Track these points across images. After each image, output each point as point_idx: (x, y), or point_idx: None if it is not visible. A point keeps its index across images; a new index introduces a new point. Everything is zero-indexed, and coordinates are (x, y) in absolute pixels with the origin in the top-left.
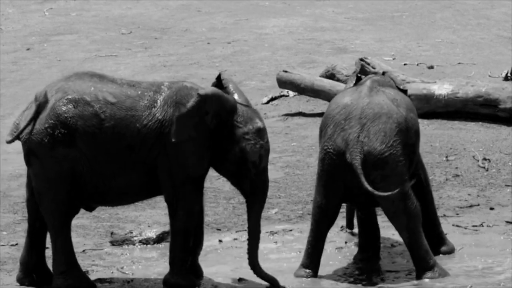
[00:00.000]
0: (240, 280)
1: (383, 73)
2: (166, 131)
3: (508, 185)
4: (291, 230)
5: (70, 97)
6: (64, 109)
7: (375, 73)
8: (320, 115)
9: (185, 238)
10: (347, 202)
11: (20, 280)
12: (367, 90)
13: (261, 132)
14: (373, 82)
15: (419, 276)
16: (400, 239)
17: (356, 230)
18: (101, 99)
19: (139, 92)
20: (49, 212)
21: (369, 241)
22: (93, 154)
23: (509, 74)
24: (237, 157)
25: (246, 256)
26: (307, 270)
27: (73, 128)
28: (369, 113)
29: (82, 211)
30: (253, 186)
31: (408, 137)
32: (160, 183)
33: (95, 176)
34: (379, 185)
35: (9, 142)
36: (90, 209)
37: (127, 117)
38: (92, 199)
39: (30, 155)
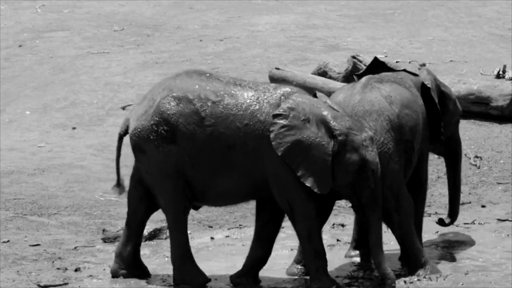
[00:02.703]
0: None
1: (423, 65)
2: (267, 133)
3: (500, 183)
4: (283, 228)
5: (174, 94)
6: (167, 107)
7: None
8: None
9: (311, 243)
10: (341, 199)
11: (115, 272)
12: (360, 87)
13: (373, 140)
14: (369, 79)
15: (411, 274)
16: (392, 237)
17: (348, 227)
18: (203, 97)
19: (243, 91)
20: (165, 206)
21: (363, 239)
22: (193, 152)
23: (501, 72)
24: (357, 166)
25: (237, 252)
26: (299, 267)
27: (174, 126)
28: (360, 111)
29: (74, 207)
30: (374, 195)
31: (401, 133)
32: (272, 189)
33: (195, 174)
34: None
35: (121, 137)
36: (195, 207)
37: (228, 116)
38: (194, 198)
39: (137, 151)
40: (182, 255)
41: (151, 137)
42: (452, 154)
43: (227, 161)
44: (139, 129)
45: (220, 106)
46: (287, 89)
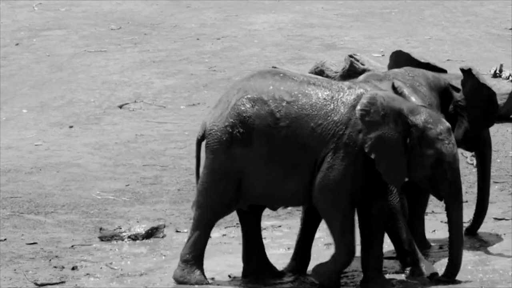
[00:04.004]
0: (230, 277)
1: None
2: (340, 133)
3: (496, 182)
4: (280, 226)
5: (249, 96)
6: (243, 109)
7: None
8: None
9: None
10: None
11: (244, 274)
12: None
13: (450, 131)
14: (368, 76)
15: (404, 271)
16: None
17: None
18: (277, 98)
19: (317, 91)
20: (203, 204)
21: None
22: (267, 154)
23: (497, 71)
24: (433, 160)
25: (234, 251)
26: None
27: (251, 128)
28: None
29: (71, 205)
30: (452, 188)
31: None
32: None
33: (267, 176)
34: None
35: (199, 141)
36: (259, 210)
37: (302, 116)
38: (261, 200)
39: (208, 152)
40: (197, 254)
41: (224, 138)
42: (478, 155)
43: (301, 161)
44: (213, 131)
45: (294, 107)
46: (361, 89)
